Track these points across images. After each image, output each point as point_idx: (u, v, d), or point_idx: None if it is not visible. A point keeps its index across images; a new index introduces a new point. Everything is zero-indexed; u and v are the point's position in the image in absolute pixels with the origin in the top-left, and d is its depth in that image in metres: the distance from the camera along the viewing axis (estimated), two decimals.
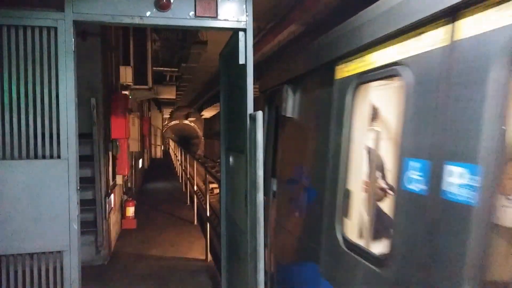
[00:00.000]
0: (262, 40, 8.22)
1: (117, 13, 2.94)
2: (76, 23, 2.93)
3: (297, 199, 3.46)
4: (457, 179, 1.68)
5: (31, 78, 2.87)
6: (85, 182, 5.00)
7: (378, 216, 2.81)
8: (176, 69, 12.55)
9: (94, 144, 5.18)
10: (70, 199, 2.93)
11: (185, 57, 10.74)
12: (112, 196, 6.08)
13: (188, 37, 9.62)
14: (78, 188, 2.98)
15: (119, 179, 6.62)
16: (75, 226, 2.95)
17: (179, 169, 15.87)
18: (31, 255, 2.92)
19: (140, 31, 8.03)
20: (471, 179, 1.61)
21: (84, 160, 4.96)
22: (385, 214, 2.94)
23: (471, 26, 1.66)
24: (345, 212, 2.68)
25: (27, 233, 2.87)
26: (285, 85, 3.61)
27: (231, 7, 3.11)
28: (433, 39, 1.86)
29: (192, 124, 41.44)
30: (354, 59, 2.57)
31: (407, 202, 2.01)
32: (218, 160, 16.29)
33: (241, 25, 3.14)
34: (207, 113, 33.67)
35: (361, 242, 2.58)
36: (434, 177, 1.81)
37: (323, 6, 5.81)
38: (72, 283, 2.95)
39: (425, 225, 1.86)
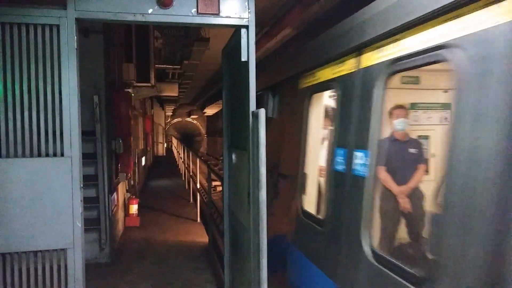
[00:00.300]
0: (263, 38, 8.19)
1: (119, 10, 2.94)
2: (78, 21, 2.93)
3: (275, 184, 4.18)
4: (358, 161, 2.56)
5: (34, 76, 2.88)
6: (89, 180, 5.01)
7: (323, 191, 3.63)
8: (179, 67, 12.52)
9: (97, 142, 5.19)
10: (74, 196, 2.93)
11: (187, 54, 10.72)
12: (115, 193, 6.09)
13: (191, 34, 9.60)
14: (82, 186, 2.99)
15: (122, 177, 6.63)
16: (79, 223, 2.95)
17: (182, 167, 15.90)
18: (35, 252, 2.93)
19: (143, 28, 8.02)
20: (365, 160, 2.49)
21: (87, 158, 4.97)
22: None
23: (367, 59, 2.58)
24: (303, 190, 3.58)
25: (31, 231, 2.88)
26: (266, 90, 4.35)
27: (233, 4, 3.10)
28: (350, 66, 2.79)
29: (195, 121, 41.45)
30: (309, 74, 3.47)
31: (335, 179, 2.89)
32: (221, 158, 16.32)
33: (243, 22, 3.13)
34: (210, 111, 33.64)
35: (312, 211, 3.51)
36: (349, 160, 2.68)
37: (324, 3, 5.79)
38: (76, 281, 2.97)
39: (344, 193, 2.73)
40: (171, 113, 36.50)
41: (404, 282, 2.03)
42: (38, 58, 2.87)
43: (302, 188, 3.55)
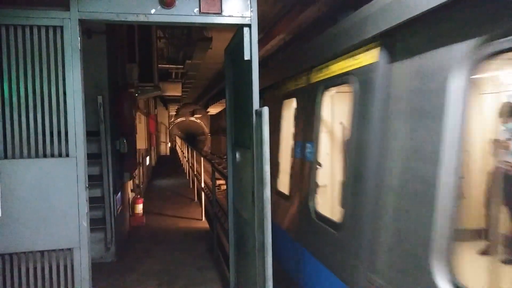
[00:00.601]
0: (265, 38, 8.18)
1: (122, 11, 2.95)
2: (81, 22, 2.95)
3: None
4: (308, 149, 3.59)
5: (39, 77, 2.90)
6: (94, 180, 5.04)
7: (289, 174, 4.44)
8: (182, 66, 12.53)
9: (102, 142, 5.21)
10: (79, 197, 2.96)
11: (190, 54, 10.72)
12: (120, 193, 6.12)
13: (194, 34, 9.60)
14: (87, 186, 3.01)
15: (126, 177, 6.66)
16: (85, 223, 2.98)
17: (186, 166, 15.93)
18: (41, 252, 2.96)
19: (145, 28, 8.03)
20: (311, 148, 3.52)
21: (92, 158, 4.99)
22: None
23: (312, 77, 3.54)
24: (277, 175, 4.63)
25: (37, 231, 2.91)
26: None
27: (236, 3, 3.10)
28: (303, 81, 3.78)
29: (198, 121, 41.49)
30: (281, 84, 4.58)
31: (295, 164, 3.97)
32: (225, 156, 16.36)
33: (246, 21, 3.13)
34: (213, 110, 33.64)
35: (283, 190, 4.42)
36: (303, 149, 3.69)
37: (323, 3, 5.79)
38: (83, 280, 2.99)
39: (301, 174, 3.78)
40: (174, 113, 36.54)
41: (331, 229, 3.03)
42: (42, 60, 2.90)
43: (276, 174, 4.60)
